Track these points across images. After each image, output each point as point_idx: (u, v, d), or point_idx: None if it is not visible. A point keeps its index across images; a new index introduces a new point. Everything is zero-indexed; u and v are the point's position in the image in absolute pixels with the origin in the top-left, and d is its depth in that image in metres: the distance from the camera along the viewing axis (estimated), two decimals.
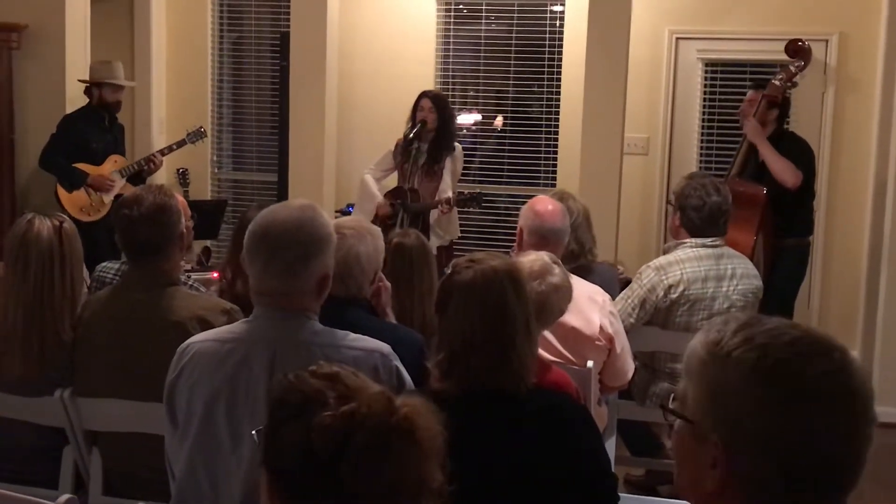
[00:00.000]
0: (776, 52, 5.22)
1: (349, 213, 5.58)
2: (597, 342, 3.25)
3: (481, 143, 6.65)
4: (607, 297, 3.39)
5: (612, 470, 2.27)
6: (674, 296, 3.70)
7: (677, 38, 6.02)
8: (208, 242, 5.90)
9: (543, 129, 6.38)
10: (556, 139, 6.30)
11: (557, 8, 6.25)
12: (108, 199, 5.58)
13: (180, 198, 2.98)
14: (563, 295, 2.85)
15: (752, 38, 5.85)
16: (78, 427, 2.81)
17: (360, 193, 5.58)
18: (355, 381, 1.36)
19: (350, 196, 6.16)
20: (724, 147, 5.89)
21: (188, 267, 4.34)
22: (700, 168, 5.99)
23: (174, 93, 6.84)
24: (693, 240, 3.78)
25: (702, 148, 6.10)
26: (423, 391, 2.22)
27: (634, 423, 3.94)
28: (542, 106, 6.39)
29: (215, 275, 4.01)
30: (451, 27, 6.47)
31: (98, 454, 2.83)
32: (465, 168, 5.73)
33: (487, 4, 6.42)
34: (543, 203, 3.52)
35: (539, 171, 6.39)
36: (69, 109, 5.67)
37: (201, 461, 2.21)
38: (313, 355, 2.16)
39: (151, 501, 2.65)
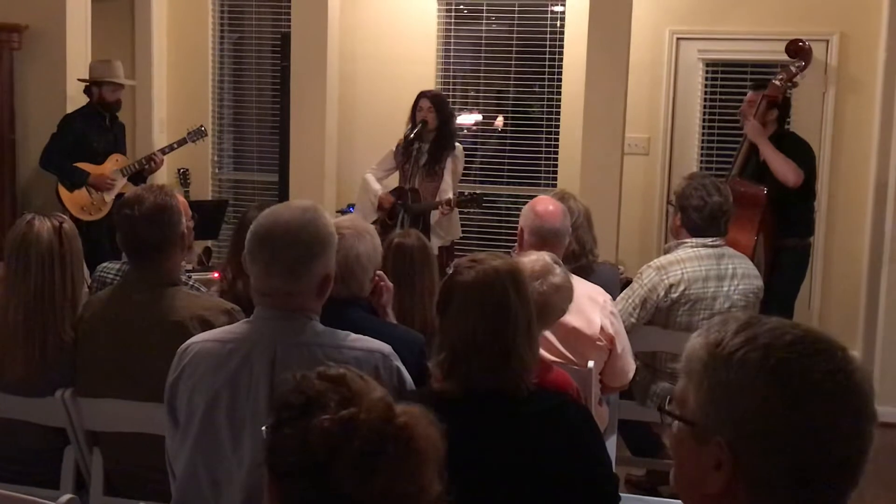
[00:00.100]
0: (777, 53, 5.22)
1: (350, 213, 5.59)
2: (597, 342, 3.25)
3: (482, 144, 6.65)
4: (608, 297, 3.39)
5: (613, 470, 2.27)
6: (674, 295, 3.70)
7: (678, 39, 6.02)
8: (209, 243, 5.91)
9: (544, 129, 6.38)
10: (557, 139, 6.30)
11: (558, 8, 6.25)
12: (109, 198, 5.59)
13: (181, 198, 2.98)
14: (565, 295, 2.85)
15: (752, 38, 5.85)
16: (79, 427, 2.81)
17: (360, 191, 5.59)
18: (359, 385, 1.36)
19: (351, 196, 6.16)
20: (725, 147, 5.89)
21: (189, 267, 4.35)
22: (700, 168, 5.99)
23: (175, 93, 6.84)
24: (694, 240, 3.78)
25: (702, 148, 6.10)
26: (423, 391, 2.22)
27: (635, 423, 3.94)
28: (542, 106, 6.39)
29: (216, 275, 4.01)
30: (452, 27, 6.47)
31: (99, 454, 2.83)
32: (465, 168, 5.73)
33: (488, 5, 6.42)
34: (544, 203, 3.52)
35: (540, 172, 6.39)
36: (70, 109, 5.67)
37: (202, 461, 2.21)
38: (314, 356, 2.16)
39: (152, 501, 2.65)
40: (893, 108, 5.37)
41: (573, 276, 2.98)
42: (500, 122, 6.56)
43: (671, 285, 3.70)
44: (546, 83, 6.33)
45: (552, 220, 3.46)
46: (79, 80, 5.67)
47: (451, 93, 6.42)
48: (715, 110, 6.04)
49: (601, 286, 3.43)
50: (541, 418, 2.10)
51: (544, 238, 3.41)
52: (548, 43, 6.29)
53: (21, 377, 2.80)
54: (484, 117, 6.58)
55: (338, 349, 2.21)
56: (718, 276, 3.73)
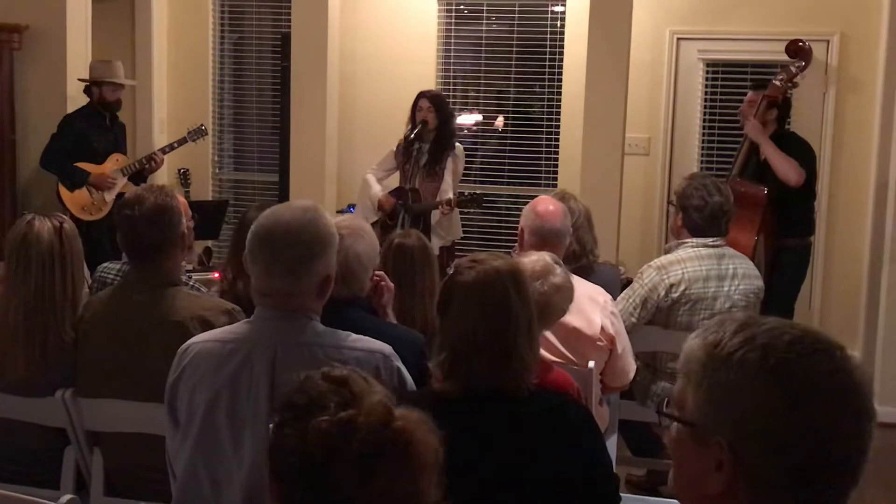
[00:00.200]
0: (777, 53, 5.22)
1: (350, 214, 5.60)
2: (598, 342, 3.25)
3: (482, 144, 6.65)
4: (608, 297, 3.39)
5: (614, 470, 2.27)
6: (675, 295, 3.70)
7: (678, 39, 6.02)
8: (209, 243, 5.91)
9: (544, 129, 6.38)
10: (558, 139, 6.30)
11: (558, 8, 6.25)
12: (109, 197, 5.59)
13: (181, 198, 2.98)
14: (565, 295, 2.85)
15: (752, 38, 5.85)
16: (79, 427, 2.81)
17: (361, 191, 5.59)
18: (361, 387, 1.36)
19: (351, 197, 6.16)
20: (725, 147, 5.89)
21: (189, 267, 4.35)
22: (701, 168, 5.99)
23: (175, 93, 6.84)
24: (694, 240, 3.78)
25: (703, 148, 6.10)
26: (424, 392, 2.22)
27: (635, 423, 3.94)
28: (543, 106, 6.39)
29: (216, 275, 4.01)
30: (452, 28, 6.47)
31: (99, 454, 2.83)
32: (466, 168, 5.74)
33: (488, 5, 6.42)
34: (545, 203, 3.52)
35: (540, 172, 6.39)
36: (70, 109, 5.68)
37: (202, 461, 2.21)
38: (315, 356, 2.16)
39: (152, 502, 2.65)
40: (894, 109, 5.37)
41: (573, 276, 2.98)
42: (500, 122, 6.56)
43: (672, 285, 3.70)
44: (546, 83, 6.33)
45: (553, 220, 3.46)
46: (79, 80, 5.67)
47: (451, 93, 6.42)
48: (715, 110, 6.04)
49: (602, 286, 3.43)
50: (541, 418, 2.10)
51: (545, 238, 3.41)
52: (548, 43, 6.29)
53: (21, 377, 2.80)
54: (484, 117, 6.58)
55: (338, 349, 2.20)
56: (719, 276, 3.73)
